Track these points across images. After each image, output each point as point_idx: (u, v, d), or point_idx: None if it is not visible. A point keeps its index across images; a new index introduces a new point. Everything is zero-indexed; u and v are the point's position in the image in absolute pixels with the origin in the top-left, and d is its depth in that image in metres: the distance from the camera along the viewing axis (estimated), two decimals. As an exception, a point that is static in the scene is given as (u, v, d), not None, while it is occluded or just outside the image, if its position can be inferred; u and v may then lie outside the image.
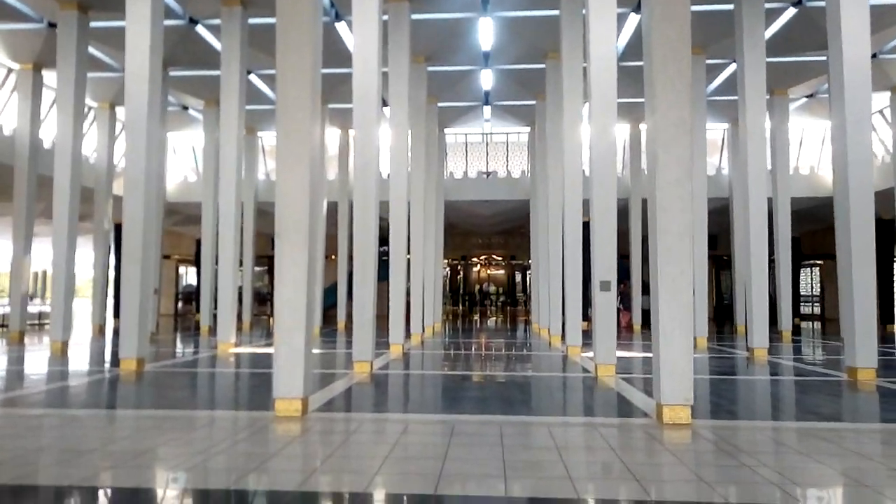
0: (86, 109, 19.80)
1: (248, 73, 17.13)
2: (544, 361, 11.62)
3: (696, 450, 4.76)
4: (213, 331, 15.56)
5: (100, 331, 17.85)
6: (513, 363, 11.15)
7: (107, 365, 10.47)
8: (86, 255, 24.45)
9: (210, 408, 6.48)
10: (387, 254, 12.52)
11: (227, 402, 7.02)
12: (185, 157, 26.28)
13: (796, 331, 18.99)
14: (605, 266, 9.09)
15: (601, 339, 9.00)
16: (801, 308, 28.12)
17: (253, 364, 10.85)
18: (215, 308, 14.31)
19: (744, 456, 4.46)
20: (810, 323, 26.32)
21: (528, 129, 23.22)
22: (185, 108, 21.43)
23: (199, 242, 22.14)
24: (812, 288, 30.70)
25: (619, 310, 24.25)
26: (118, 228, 22.87)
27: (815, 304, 30.51)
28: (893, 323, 21.79)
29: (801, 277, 28.73)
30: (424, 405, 6.88)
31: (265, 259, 25.95)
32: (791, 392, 7.86)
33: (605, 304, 9.07)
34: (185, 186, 24.64)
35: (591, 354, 11.91)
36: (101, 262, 19.33)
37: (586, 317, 16.14)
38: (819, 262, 29.60)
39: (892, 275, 22.22)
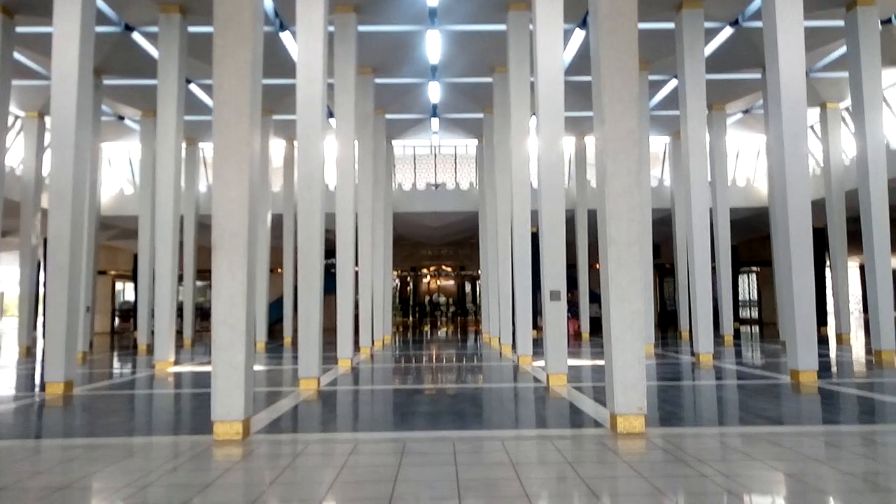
0: (12, 119, 18.75)
1: (188, 82, 16.57)
2: (496, 372, 11.52)
3: (652, 460, 4.70)
4: (151, 349, 14.84)
5: (27, 352, 16.81)
6: (464, 375, 11.01)
7: (34, 389, 9.78)
8: (14, 271, 23.10)
9: (144, 433, 6.06)
10: (334, 266, 12.24)
11: (163, 426, 6.60)
12: (121, 169, 25.23)
13: (736, 335, 19.54)
14: (554, 276, 9.06)
15: (552, 348, 8.95)
16: (740, 313, 29.10)
17: (193, 384, 10.34)
18: (154, 325, 13.66)
19: (698, 464, 4.41)
20: (749, 327, 27.24)
21: (476, 141, 23.30)
22: (121, 118, 20.59)
23: (136, 257, 21.21)
24: (749, 293, 31.85)
25: (567, 318, 24.54)
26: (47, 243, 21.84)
27: (753, 309, 31.67)
28: (826, 325, 22.74)
29: (739, 284, 29.70)
30: (374, 423, 6.64)
31: (207, 273, 25.13)
32: (739, 396, 7.97)
33: (556, 313, 9.04)
34: (120, 199, 23.63)
35: (542, 364, 11.90)
36: (29, 278, 18.23)
37: (536, 325, 16.20)
38: (755, 268, 30.75)
39: (824, 280, 23.19)
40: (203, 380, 10.43)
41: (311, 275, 9.02)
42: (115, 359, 15.73)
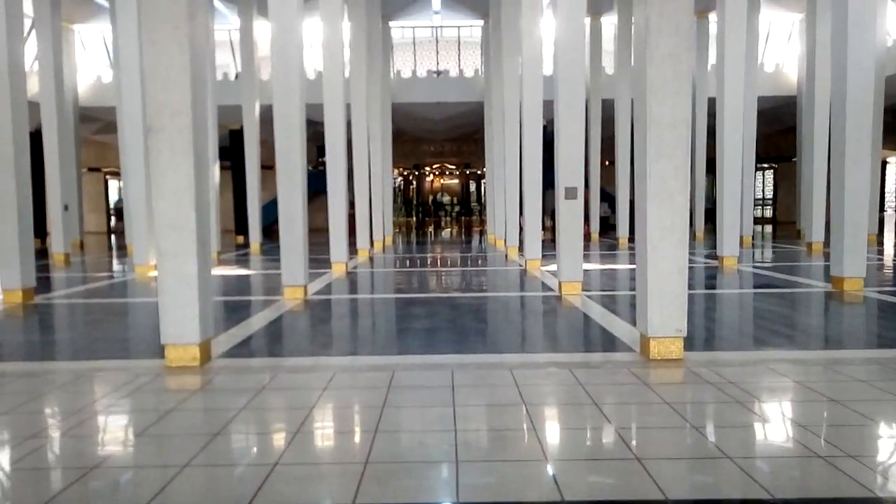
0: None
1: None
2: (502, 278, 10.59)
3: (699, 398, 3.75)
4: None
5: None
6: (467, 281, 10.08)
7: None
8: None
9: (85, 356, 5.15)
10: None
11: (113, 347, 5.69)
12: (98, 55, 23.32)
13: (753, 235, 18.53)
14: (570, 171, 7.86)
15: (566, 253, 7.92)
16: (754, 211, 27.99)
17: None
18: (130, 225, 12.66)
19: (762, 406, 3.46)
20: (761, 227, 26.11)
21: (481, 23, 21.24)
22: (90, -5, 18.58)
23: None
24: (764, 192, 30.49)
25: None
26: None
27: (767, 207, 30.45)
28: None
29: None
30: (360, 343, 5.70)
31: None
32: (782, 309, 7.00)
33: (571, 213, 7.93)
34: (100, 88, 21.95)
35: (551, 268, 10.95)
36: None
37: (543, 226, 15.19)
38: (773, 164, 29.24)
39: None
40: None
41: (293, 173, 7.84)
42: (98, 261, 14.88)
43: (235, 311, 7.26)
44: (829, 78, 15.38)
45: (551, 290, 8.43)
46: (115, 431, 3.33)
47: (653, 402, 3.60)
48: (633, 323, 5.83)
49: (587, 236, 20.13)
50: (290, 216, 7.87)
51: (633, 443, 2.98)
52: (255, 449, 3.04)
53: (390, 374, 4.25)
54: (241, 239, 20.90)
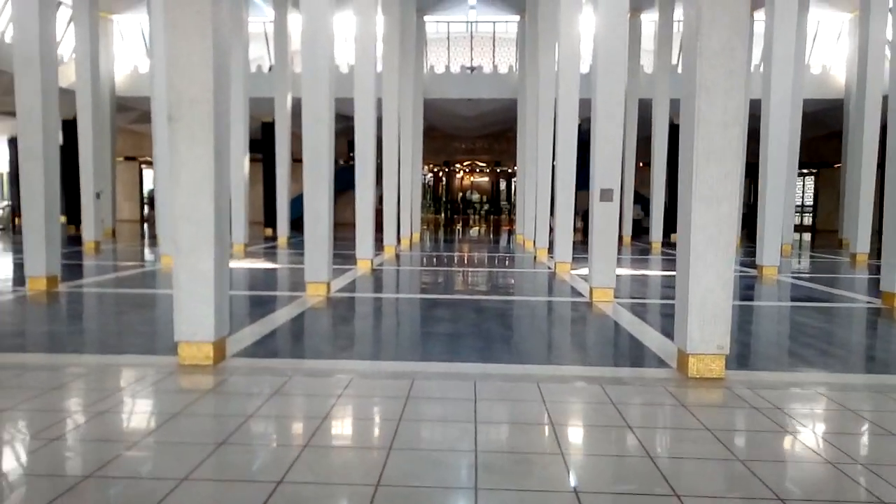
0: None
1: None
2: (529, 281, 10.29)
3: (744, 425, 3.43)
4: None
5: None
6: (494, 283, 9.81)
7: (17, 284, 8.93)
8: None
9: (101, 350, 5.03)
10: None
11: (130, 341, 5.57)
12: (135, 45, 23.58)
13: (792, 244, 17.87)
14: (606, 172, 7.54)
15: (598, 257, 7.59)
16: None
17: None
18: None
19: (815, 436, 3.14)
20: (800, 234, 25.25)
21: (517, 18, 20.89)
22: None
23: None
24: (804, 198, 29.50)
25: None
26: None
27: (806, 215, 29.48)
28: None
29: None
30: (380, 347, 5.47)
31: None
32: (827, 325, 6.59)
33: (605, 216, 7.60)
34: (136, 78, 22.18)
35: (581, 272, 10.61)
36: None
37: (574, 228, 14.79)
38: (814, 170, 28.29)
39: None
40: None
41: (320, 167, 7.66)
42: (128, 250, 14.97)
43: (256, 307, 7.11)
44: (881, 79, 14.83)
45: (581, 295, 8.11)
46: (113, 437, 3.15)
47: (692, 428, 3.30)
48: (669, 336, 5.50)
49: (619, 239, 19.70)
50: (315, 211, 7.70)
51: (672, 476, 2.69)
52: (258, 463, 2.83)
53: (410, 382, 4.02)
54: (269, 232, 20.92)
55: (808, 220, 29.20)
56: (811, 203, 29.53)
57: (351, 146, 10.51)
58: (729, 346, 4.27)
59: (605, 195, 7.55)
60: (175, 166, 4.34)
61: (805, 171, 27.76)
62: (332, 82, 7.76)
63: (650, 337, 5.54)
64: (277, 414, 3.46)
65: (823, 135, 24.42)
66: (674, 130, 18.94)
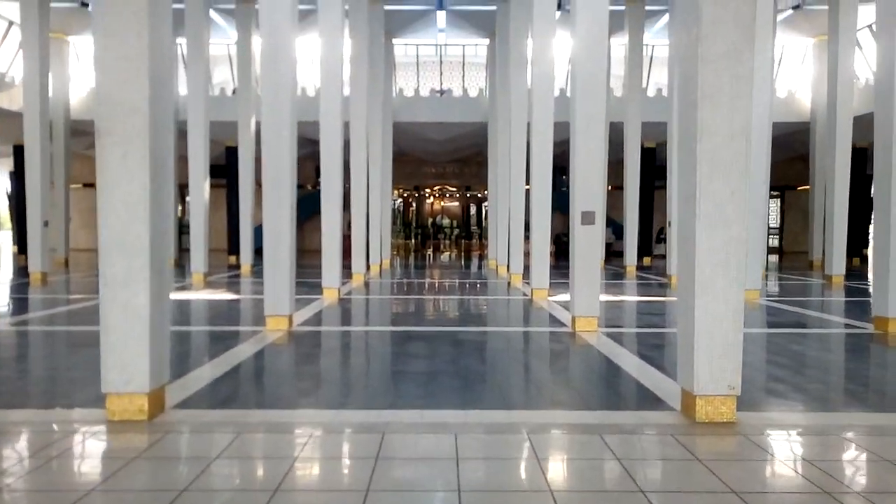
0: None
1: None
2: (506, 309, 9.78)
3: (777, 486, 2.93)
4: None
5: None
6: (469, 312, 9.27)
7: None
8: None
9: (16, 403, 4.32)
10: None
11: (56, 389, 4.86)
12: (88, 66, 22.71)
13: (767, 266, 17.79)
14: (587, 193, 7.10)
15: (581, 284, 7.12)
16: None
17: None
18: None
19: (858, 497, 2.65)
20: (767, 256, 25.25)
21: (486, 41, 20.73)
22: (85, 4, 18.00)
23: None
24: (768, 220, 29.78)
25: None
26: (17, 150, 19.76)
27: (773, 237, 29.68)
28: (866, 247, 20.85)
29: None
30: (346, 392, 4.84)
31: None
32: (827, 354, 6.20)
33: (588, 240, 7.14)
34: (92, 101, 21.25)
35: (559, 299, 10.16)
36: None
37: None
38: (779, 192, 28.61)
39: (869, 201, 21.16)
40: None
41: (280, 185, 7.08)
42: (78, 281, 14.05)
43: (209, 345, 6.44)
44: (850, 102, 14.94)
45: (563, 324, 7.62)
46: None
47: (716, 491, 2.78)
48: (665, 370, 5.03)
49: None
50: (275, 236, 7.08)
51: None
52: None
53: (379, 437, 3.43)
54: (233, 260, 20.10)
55: (773, 241, 29.41)
56: (777, 225, 29.80)
57: (318, 171, 10.09)
58: (740, 385, 3.79)
59: (587, 218, 7.11)
60: (104, 187, 3.73)
61: (772, 193, 28.02)
62: (293, 98, 7.23)
63: (644, 373, 5.04)
64: (218, 486, 2.84)
65: (787, 158, 24.68)
66: (645, 153, 18.85)
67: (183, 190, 21.27)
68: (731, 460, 3.21)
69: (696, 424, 3.71)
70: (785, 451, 3.26)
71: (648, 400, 4.31)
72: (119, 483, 2.83)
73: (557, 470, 3.00)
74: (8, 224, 30.46)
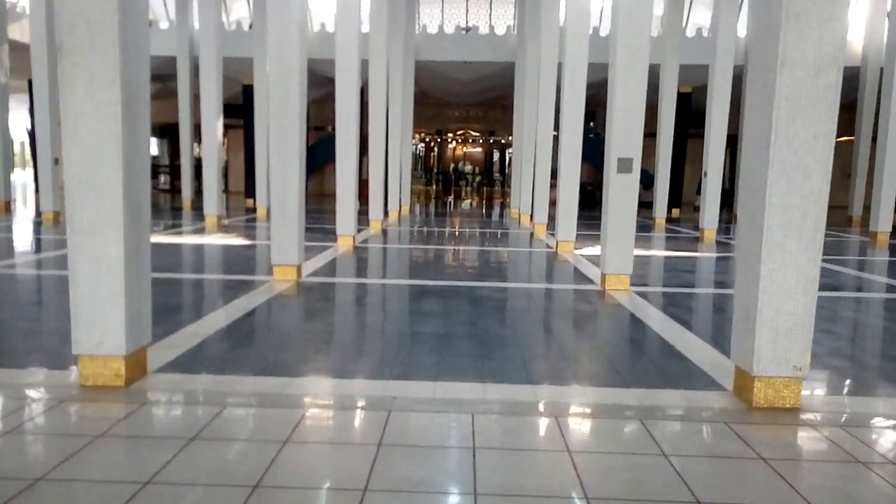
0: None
1: None
2: (530, 263, 9.22)
3: (852, 495, 2.40)
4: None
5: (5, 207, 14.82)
6: (490, 265, 8.73)
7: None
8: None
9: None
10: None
11: (35, 344, 4.47)
12: None
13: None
14: (625, 138, 6.41)
15: (614, 239, 6.51)
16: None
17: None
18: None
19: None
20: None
21: (515, -24, 19.47)
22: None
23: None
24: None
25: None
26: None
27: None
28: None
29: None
30: (351, 357, 4.34)
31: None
32: (889, 322, 5.59)
33: (623, 190, 6.49)
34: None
35: (586, 252, 9.59)
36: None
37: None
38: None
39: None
40: (166, 259, 8.30)
41: (288, 126, 6.49)
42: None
43: (209, 296, 6.01)
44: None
45: (591, 282, 7.06)
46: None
47: (792, 503, 2.26)
48: (709, 339, 4.48)
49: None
50: (283, 182, 6.54)
51: None
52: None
53: (385, 415, 2.96)
54: (251, 203, 19.70)
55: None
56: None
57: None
58: (808, 365, 3.22)
59: (624, 165, 6.44)
60: (68, 115, 3.18)
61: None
62: (304, 33, 6.56)
63: (686, 342, 4.49)
64: (188, 479, 2.38)
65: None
66: (680, 98, 17.75)
67: (198, 130, 20.74)
68: (801, 461, 2.68)
69: (754, 411, 3.17)
70: (861, 448, 2.72)
71: (694, 377, 3.77)
72: (73, 470, 2.40)
73: (593, 469, 2.50)
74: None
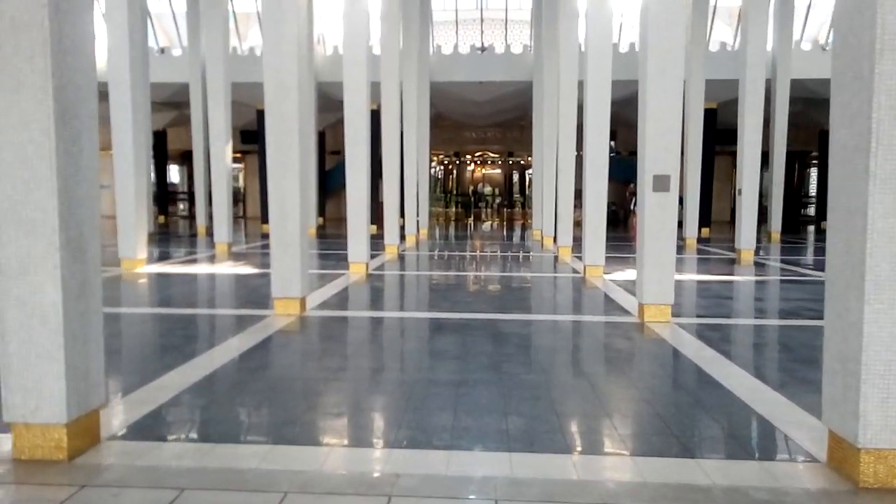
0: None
1: None
2: (557, 290, 8.50)
3: None
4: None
5: None
6: (513, 294, 8.03)
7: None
8: None
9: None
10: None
11: None
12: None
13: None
14: (661, 151, 5.74)
15: (653, 264, 5.81)
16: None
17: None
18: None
19: None
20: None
21: (531, -5, 19.06)
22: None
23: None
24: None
25: (632, 212, 21.10)
26: None
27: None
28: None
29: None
30: (346, 413, 3.69)
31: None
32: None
33: (661, 210, 5.80)
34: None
35: (616, 277, 8.88)
36: None
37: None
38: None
39: None
40: (179, 288, 7.76)
41: (287, 143, 5.96)
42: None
43: (197, 337, 5.39)
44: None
45: (627, 312, 6.34)
46: None
47: None
48: (775, 383, 3.74)
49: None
50: (281, 206, 5.98)
51: None
52: None
53: (385, 501, 2.28)
54: (266, 228, 19.29)
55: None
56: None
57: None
58: (927, 431, 2.49)
59: (661, 183, 5.76)
60: (-8, 132, 2.61)
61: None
62: (303, 44, 6.03)
63: (750, 389, 3.76)
64: None
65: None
66: (707, 115, 17.03)
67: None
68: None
69: (862, 492, 2.44)
70: None
71: (772, 440, 3.04)
72: None
73: None
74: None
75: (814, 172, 25.02)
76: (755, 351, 5.05)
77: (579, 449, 2.91)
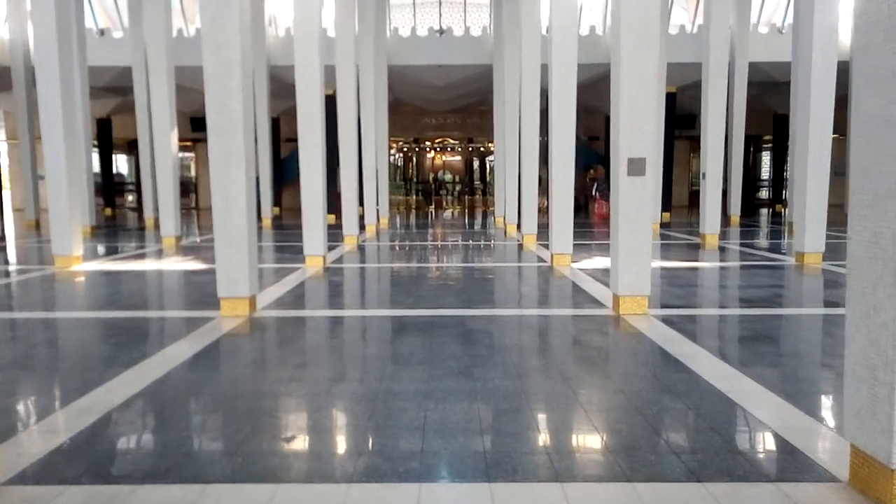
0: None
1: None
2: (524, 281, 8.14)
3: None
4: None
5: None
6: (479, 287, 7.62)
7: None
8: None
9: None
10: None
11: None
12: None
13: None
14: (636, 133, 5.40)
15: (627, 254, 5.49)
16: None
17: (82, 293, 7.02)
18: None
19: None
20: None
21: (491, -25, 18.57)
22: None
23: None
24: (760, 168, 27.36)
25: (593, 198, 20.92)
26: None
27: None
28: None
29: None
30: (301, 437, 3.23)
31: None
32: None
33: (635, 196, 5.47)
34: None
35: (584, 265, 8.60)
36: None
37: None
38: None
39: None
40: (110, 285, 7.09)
41: (230, 127, 5.39)
42: (29, 247, 12.43)
43: (131, 346, 4.80)
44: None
45: (600, 304, 6.01)
46: None
47: None
48: (772, 384, 3.43)
49: (605, 218, 17.62)
50: (226, 196, 5.43)
51: None
52: None
53: None
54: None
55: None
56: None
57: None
58: (969, 449, 2.17)
59: (636, 167, 5.42)
60: None
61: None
62: (246, 9, 5.47)
63: (746, 392, 3.43)
64: None
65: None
66: (669, 99, 16.90)
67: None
68: None
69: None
70: None
71: (782, 454, 2.71)
72: None
73: None
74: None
75: (766, 156, 25.27)
76: (742, 346, 4.76)
77: (570, 475, 2.52)
